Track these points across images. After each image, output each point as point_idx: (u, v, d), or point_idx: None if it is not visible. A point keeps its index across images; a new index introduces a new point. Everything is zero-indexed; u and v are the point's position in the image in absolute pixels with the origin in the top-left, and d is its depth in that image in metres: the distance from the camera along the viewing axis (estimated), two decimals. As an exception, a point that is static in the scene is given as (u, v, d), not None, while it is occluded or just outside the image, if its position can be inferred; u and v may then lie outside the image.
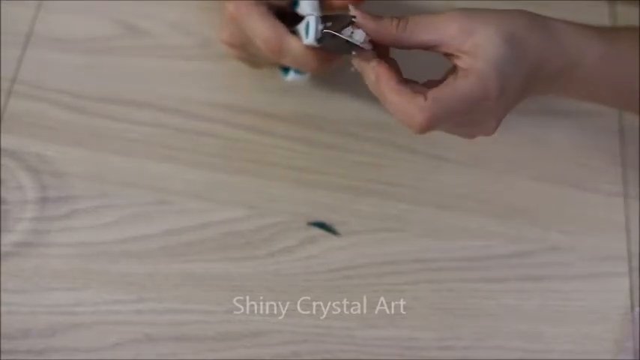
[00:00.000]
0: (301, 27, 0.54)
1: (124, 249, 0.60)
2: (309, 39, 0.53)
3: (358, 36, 0.49)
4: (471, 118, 0.49)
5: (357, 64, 0.50)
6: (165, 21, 0.68)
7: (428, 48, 0.49)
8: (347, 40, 0.49)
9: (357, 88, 0.64)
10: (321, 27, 0.52)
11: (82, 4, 0.68)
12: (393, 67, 0.50)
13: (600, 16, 0.70)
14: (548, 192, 0.64)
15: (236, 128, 0.65)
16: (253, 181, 0.63)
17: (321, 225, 0.62)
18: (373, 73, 0.49)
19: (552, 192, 0.65)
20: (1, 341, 0.57)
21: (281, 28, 0.54)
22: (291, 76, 0.60)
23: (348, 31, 0.49)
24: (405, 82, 0.49)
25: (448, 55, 0.49)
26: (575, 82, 0.53)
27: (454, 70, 0.49)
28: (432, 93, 0.48)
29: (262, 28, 0.54)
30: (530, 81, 0.50)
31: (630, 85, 0.55)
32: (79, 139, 0.64)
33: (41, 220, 0.61)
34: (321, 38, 0.52)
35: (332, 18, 0.52)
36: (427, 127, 0.48)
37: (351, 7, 0.49)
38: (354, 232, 0.62)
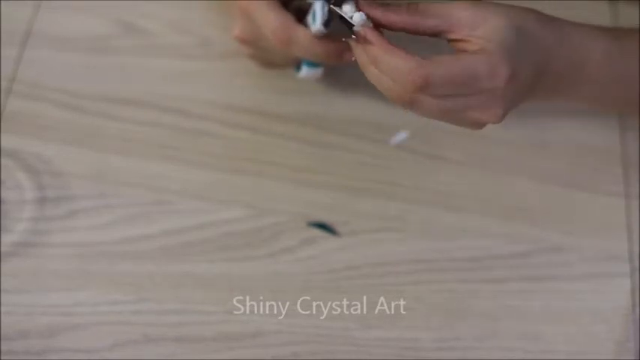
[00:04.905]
0: (309, 16, 0.55)
1: (123, 249, 0.60)
2: (317, 24, 0.53)
3: (357, 17, 0.49)
4: (477, 100, 0.48)
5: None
6: (165, 20, 0.68)
7: (437, 34, 0.49)
8: (345, 18, 0.49)
9: (357, 88, 0.65)
10: (327, 8, 0.52)
11: (82, 4, 0.68)
12: None
13: (601, 16, 0.69)
14: (549, 192, 0.64)
15: (236, 128, 0.65)
16: (253, 180, 0.63)
17: (321, 225, 0.62)
18: (364, 38, 0.48)
19: (553, 192, 0.64)
20: (0, 342, 0.56)
21: (289, 18, 0.55)
22: (304, 71, 0.60)
23: (349, 9, 0.49)
24: None
25: (456, 42, 0.49)
26: (582, 80, 0.53)
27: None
28: (433, 56, 0.47)
29: (270, 18, 0.54)
30: (540, 75, 0.50)
31: (635, 81, 0.55)
32: (78, 138, 0.63)
33: (40, 221, 0.60)
34: (328, 22, 0.52)
35: None
36: (422, 84, 0.46)
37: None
38: (354, 232, 0.62)
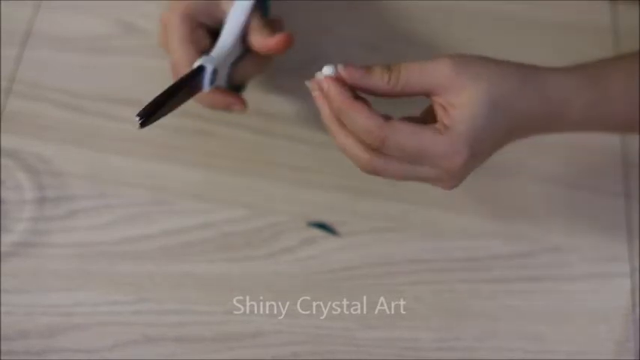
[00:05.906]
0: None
1: (123, 249, 0.60)
2: (205, 88, 0.54)
3: (325, 70, 0.48)
4: (430, 171, 0.48)
5: (313, 87, 0.49)
6: (165, 20, 0.68)
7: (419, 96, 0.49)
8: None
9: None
10: (212, 70, 0.53)
11: (81, 4, 0.68)
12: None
13: (601, 16, 0.69)
14: (549, 192, 0.64)
15: (236, 128, 0.65)
16: (253, 181, 0.63)
17: (321, 225, 0.62)
18: (327, 91, 0.48)
19: (553, 192, 0.64)
20: (0, 342, 0.56)
21: (189, 55, 0.54)
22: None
23: (327, 69, 0.48)
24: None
25: (437, 104, 0.48)
26: (561, 126, 0.53)
27: (433, 112, 0.49)
28: (395, 120, 0.47)
29: (174, 48, 0.55)
30: (511, 133, 0.50)
31: (621, 121, 0.55)
32: (78, 138, 0.63)
33: (40, 221, 0.60)
34: (212, 82, 0.54)
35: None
36: (379, 145, 0.47)
37: (339, 67, 0.47)
38: (354, 232, 0.62)
